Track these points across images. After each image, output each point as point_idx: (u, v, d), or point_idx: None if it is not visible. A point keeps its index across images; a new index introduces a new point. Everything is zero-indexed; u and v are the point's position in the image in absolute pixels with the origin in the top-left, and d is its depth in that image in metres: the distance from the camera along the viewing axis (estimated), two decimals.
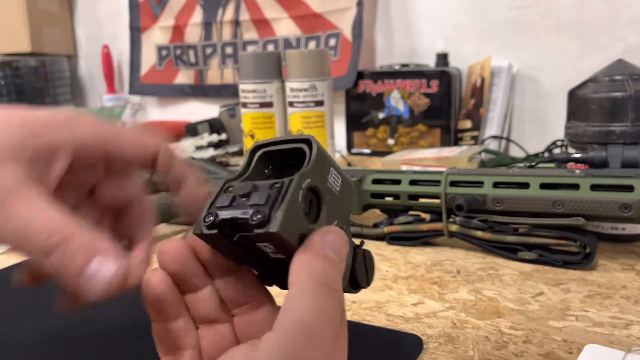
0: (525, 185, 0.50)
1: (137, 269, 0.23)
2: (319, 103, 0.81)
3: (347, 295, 0.45)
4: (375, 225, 0.58)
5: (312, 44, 1.19)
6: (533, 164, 0.61)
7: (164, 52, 1.39)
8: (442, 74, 1.01)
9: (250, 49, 1.27)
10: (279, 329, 0.20)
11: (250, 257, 0.26)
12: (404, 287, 0.46)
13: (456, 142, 1.03)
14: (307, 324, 0.20)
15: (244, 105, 0.86)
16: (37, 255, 0.20)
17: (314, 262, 0.22)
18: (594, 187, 0.47)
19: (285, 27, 1.22)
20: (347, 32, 1.13)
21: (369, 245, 0.56)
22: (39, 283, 0.25)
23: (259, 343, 0.20)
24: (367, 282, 0.29)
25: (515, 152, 1.00)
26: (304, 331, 0.20)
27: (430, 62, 1.08)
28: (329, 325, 0.21)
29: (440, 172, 0.54)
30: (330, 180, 0.26)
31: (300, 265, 0.22)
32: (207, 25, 1.31)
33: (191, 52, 1.35)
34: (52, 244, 0.20)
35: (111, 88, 1.47)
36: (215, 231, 0.24)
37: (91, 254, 0.20)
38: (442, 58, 1.04)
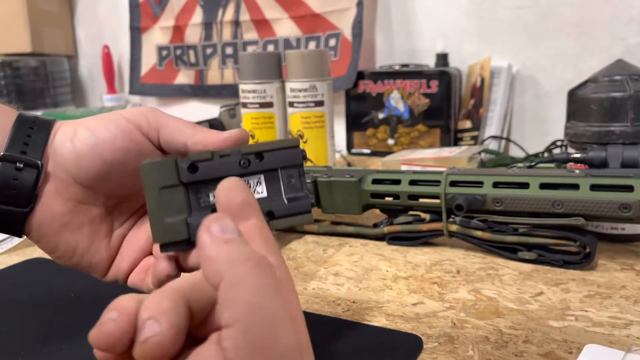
0: (525, 185, 0.50)
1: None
2: (319, 103, 0.81)
3: (347, 295, 0.45)
4: (375, 225, 0.58)
5: (312, 44, 1.19)
6: (533, 164, 0.61)
7: (164, 53, 1.39)
8: (442, 74, 1.01)
9: (251, 49, 1.27)
10: (233, 323, 0.20)
11: None
12: (404, 287, 0.46)
13: (456, 142, 1.03)
14: (255, 307, 0.20)
15: (244, 105, 0.86)
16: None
17: (221, 252, 0.22)
18: (594, 187, 0.47)
19: (285, 27, 1.22)
20: (347, 33, 1.13)
21: (369, 245, 0.56)
22: None
23: (222, 342, 0.20)
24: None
25: (515, 152, 1.00)
26: (256, 315, 0.20)
27: (430, 62, 1.08)
28: (273, 298, 0.21)
29: (440, 172, 0.54)
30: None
31: (212, 263, 0.22)
32: (208, 25, 1.31)
33: (191, 52, 1.35)
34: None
35: (111, 88, 1.47)
36: None
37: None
38: (442, 58, 1.04)
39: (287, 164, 0.32)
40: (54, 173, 0.34)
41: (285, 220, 0.32)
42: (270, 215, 0.31)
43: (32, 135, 0.33)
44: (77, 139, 0.33)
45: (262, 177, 0.31)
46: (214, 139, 0.33)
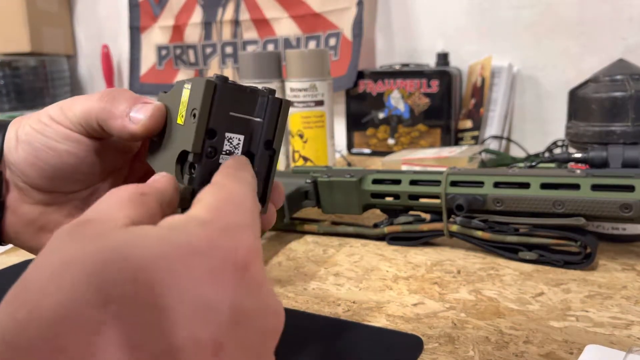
0: (525, 185, 0.50)
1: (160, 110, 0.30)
2: (319, 103, 0.81)
3: (347, 296, 0.45)
4: (376, 226, 0.58)
5: (312, 44, 1.19)
6: (533, 164, 0.61)
7: (164, 52, 1.39)
8: (443, 73, 1.01)
9: (250, 48, 1.27)
10: (207, 191, 0.22)
11: None
12: (404, 288, 0.46)
13: (456, 142, 1.03)
14: (230, 191, 0.23)
15: None
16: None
17: (223, 173, 0.25)
18: (595, 187, 0.47)
19: (285, 26, 1.22)
20: (347, 32, 1.13)
21: (370, 246, 0.56)
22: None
23: (190, 211, 0.21)
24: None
25: (515, 152, 1.00)
26: (229, 194, 0.22)
27: (430, 61, 1.08)
28: (249, 192, 0.23)
29: (441, 172, 0.54)
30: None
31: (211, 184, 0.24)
32: (207, 25, 1.31)
33: (191, 52, 1.35)
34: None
35: (111, 88, 1.46)
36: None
37: (134, 102, 0.29)
38: (443, 58, 1.04)
39: (222, 114, 0.27)
40: (13, 180, 0.32)
41: (278, 128, 0.28)
42: (267, 145, 0.28)
43: None
44: (20, 147, 0.31)
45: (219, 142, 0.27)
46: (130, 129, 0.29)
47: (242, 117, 0.27)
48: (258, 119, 0.28)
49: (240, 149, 0.28)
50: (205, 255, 0.18)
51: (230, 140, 0.27)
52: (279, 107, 0.28)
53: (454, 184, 0.52)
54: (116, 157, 0.33)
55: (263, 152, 0.28)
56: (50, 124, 0.30)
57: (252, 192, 0.24)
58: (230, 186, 0.23)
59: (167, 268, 0.17)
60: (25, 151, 0.31)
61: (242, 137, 0.27)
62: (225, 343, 0.17)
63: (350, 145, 1.12)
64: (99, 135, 0.31)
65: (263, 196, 0.29)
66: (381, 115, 1.07)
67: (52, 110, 0.31)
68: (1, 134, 0.32)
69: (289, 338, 0.38)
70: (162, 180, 0.25)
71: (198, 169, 0.26)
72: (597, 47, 0.94)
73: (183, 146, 0.27)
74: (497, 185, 0.51)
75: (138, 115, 0.28)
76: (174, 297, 0.17)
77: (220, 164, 0.27)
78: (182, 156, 0.27)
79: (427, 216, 0.55)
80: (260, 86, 0.28)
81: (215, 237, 0.19)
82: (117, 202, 0.21)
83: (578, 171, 0.49)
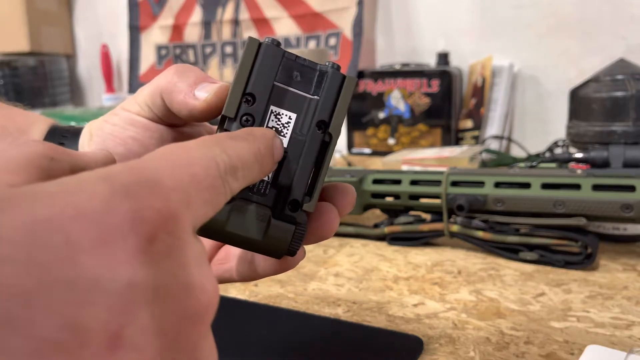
0: (526, 186, 0.49)
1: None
2: None
3: (347, 296, 0.44)
4: (376, 226, 0.57)
5: (312, 44, 1.19)
6: (534, 164, 0.61)
7: (163, 52, 1.39)
8: (443, 73, 1.00)
9: None
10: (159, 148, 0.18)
11: None
12: (405, 288, 0.46)
13: (457, 141, 1.03)
14: (182, 150, 0.18)
15: None
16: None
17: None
18: (596, 187, 0.47)
19: (285, 26, 1.21)
20: (348, 32, 1.13)
21: (370, 246, 0.56)
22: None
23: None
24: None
25: (516, 152, 1.00)
26: (176, 152, 0.17)
27: (431, 61, 1.08)
28: (215, 159, 0.18)
29: (441, 172, 0.54)
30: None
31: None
32: (207, 24, 1.31)
33: (190, 52, 1.34)
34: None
35: (110, 87, 1.46)
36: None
37: (202, 80, 0.28)
38: (443, 57, 1.04)
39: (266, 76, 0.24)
40: None
41: (337, 109, 0.24)
42: (324, 125, 0.24)
43: (65, 142, 0.32)
44: (93, 141, 0.31)
45: (268, 113, 0.24)
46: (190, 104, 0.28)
47: (292, 91, 0.24)
48: (314, 97, 0.24)
49: (291, 129, 0.24)
50: (95, 220, 0.14)
51: (279, 117, 0.23)
52: (340, 84, 0.24)
53: (454, 184, 0.52)
54: None
55: (314, 134, 0.24)
56: (119, 112, 0.31)
57: (220, 162, 0.18)
58: (192, 147, 0.18)
59: (39, 240, 0.13)
60: (96, 143, 0.31)
61: (293, 116, 0.24)
62: (125, 330, 0.14)
63: (350, 145, 1.12)
64: (164, 116, 0.30)
65: (310, 189, 0.24)
66: (381, 115, 1.07)
67: (126, 100, 0.31)
68: (77, 137, 0.32)
69: (289, 338, 0.38)
70: (89, 152, 0.22)
71: None
72: (598, 47, 0.94)
73: (224, 111, 0.24)
74: (497, 185, 0.51)
75: (202, 92, 0.27)
76: (46, 277, 0.13)
77: None
78: (223, 123, 0.24)
79: (428, 216, 0.55)
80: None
81: (114, 195, 0.15)
82: (14, 160, 0.17)
83: (579, 171, 0.49)
